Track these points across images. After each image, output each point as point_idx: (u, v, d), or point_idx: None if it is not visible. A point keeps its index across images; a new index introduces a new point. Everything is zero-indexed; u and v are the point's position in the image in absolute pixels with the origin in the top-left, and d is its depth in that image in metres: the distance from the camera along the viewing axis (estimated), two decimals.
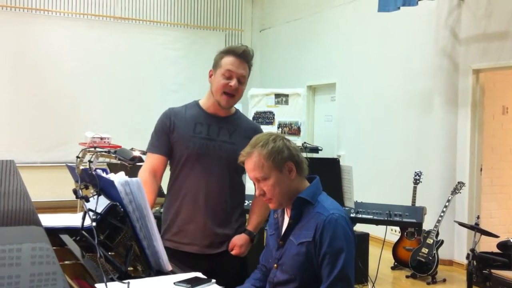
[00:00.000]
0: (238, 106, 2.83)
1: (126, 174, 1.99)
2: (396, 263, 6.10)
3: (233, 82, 2.54)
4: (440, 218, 5.70)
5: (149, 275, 1.96)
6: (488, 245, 5.28)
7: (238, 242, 2.59)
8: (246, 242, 2.62)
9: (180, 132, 2.61)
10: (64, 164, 3.27)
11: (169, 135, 2.64)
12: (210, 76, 2.64)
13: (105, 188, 2.02)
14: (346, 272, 1.98)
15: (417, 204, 5.73)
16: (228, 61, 2.56)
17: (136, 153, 2.39)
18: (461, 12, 6.27)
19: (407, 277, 5.86)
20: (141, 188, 1.93)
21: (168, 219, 2.68)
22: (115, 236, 2.10)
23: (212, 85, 2.63)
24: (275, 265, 2.16)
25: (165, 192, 5.87)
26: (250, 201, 2.80)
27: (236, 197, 2.66)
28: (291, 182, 2.10)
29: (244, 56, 2.57)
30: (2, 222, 1.61)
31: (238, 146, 2.51)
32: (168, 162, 2.70)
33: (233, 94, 2.57)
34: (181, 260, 2.45)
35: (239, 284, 2.34)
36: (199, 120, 2.64)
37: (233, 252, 2.58)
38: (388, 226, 4.74)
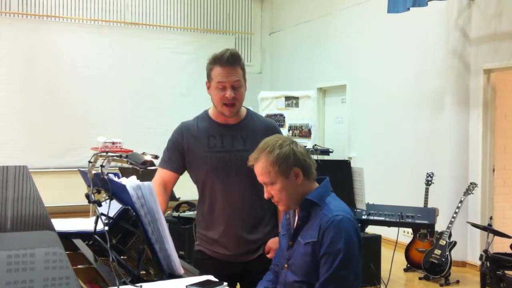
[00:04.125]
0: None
1: (137, 178, 2.00)
2: (408, 265, 6.07)
3: (228, 93, 2.50)
4: (452, 219, 5.67)
5: (161, 279, 1.97)
6: (502, 246, 5.25)
7: (273, 246, 2.58)
8: None
9: (194, 149, 2.60)
10: (77, 169, 3.27)
11: (183, 153, 2.63)
12: (208, 88, 2.61)
13: (117, 193, 2.03)
14: (341, 274, 2.00)
15: (429, 206, 5.71)
16: (216, 73, 2.52)
17: (148, 157, 2.39)
18: (471, 12, 6.24)
19: (420, 279, 5.83)
20: (153, 192, 1.94)
21: (201, 232, 2.70)
22: (127, 240, 2.11)
23: (211, 98, 2.60)
24: (286, 265, 2.19)
25: (177, 196, 5.89)
26: None
27: (263, 202, 2.63)
28: (298, 187, 2.12)
29: (230, 62, 2.50)
30: (16, 227, 1.63)
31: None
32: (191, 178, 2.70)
33: (232, 103, 2.54)
34: (217, 266, 2.48)
35: None
36: (211, 133, 2.62)
37: (269, 256, 2.58)
38: (400, 228, 4.73)
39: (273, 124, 2.78)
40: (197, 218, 2.75)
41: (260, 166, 2.11)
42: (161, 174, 2.65)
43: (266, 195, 2.16)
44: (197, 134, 2.62)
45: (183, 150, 2.62)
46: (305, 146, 6.10)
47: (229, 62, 2.50)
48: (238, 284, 2.64)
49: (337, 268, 1.98)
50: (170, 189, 2.68)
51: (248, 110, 2.74)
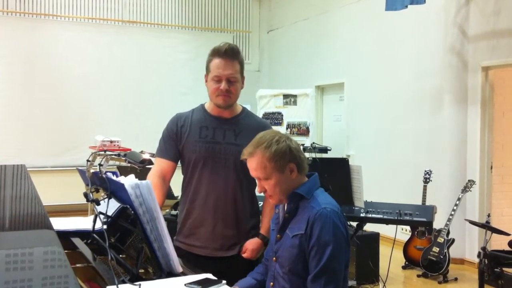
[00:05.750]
0: (246, 107, 2.82)
1: (136, 177, 2.00)
2: (407, 263, 6.08)
3: (223, 85, 2.55)
4: (450, 217, 5.68)
5: (160, 277, 1.97)
6: (499, 243, 5.27)
7: (250, 246, 2.62)
8: (258, 246, 2.64)
9: (186, 137, 2.65)
10: (75, 168, 3.29)
11: (176, 141, 2.67)
12: (206, 81, 2.65)
13: (116, 191, 2.03)
14: (332, 265, 2.02)
15: (427, 203, 5.71)
16: (214, 65, 2.57)
17: (146, 156, 2.41)
18: (469, 10, 6.24)
19: (418, 276, 5.84)
20: (151, 191, 1.94)
21: (180, 222, 2.73)
22: (126, 239, 2.11)
23: (207, 90, 2.65)
24: (274, 258, 2.22)
25: (175, 194, 5.89)
26: (261, 202, 2.80)
27: (246, 198, 2.67)
28: (292, 181, 2.16)
29: (228, 55, 2.56)
30: (14, 226, 1.63)
31: (244, 147, 2.54)
32: (180, 167, 2.74)
33: (227, 95, 2.58)
34: (193, 261, 2.48)
35: None
36: (204, 124, 2.66)
37: (244, 255, 2.61)
38: (398, 226, 4.72)
39: (268, 125, 2.80)
40: (180, 208, 2.78)
41: (256, 161, 2.13)
42: (159, 164, 2.68)
43: (258, 189, 2.20)
44: (190, 124, 2.67)
45: (177, 139, 2.67)
46: (303, 144, 6.02)
47: (227, 54, 2.56)
48: None
49: (328, 260, 2.01)
50: (168, 179, 2.70)
51: (244, 108, 2.79)
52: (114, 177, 2.10)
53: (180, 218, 2.74)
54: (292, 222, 2.16)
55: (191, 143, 2.63)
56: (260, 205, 2.80)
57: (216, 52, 2.58)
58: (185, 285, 1.86)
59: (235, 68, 2.58)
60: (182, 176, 2.77)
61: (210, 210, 2.61)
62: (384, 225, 4.56)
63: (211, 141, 2.63)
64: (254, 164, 2.14)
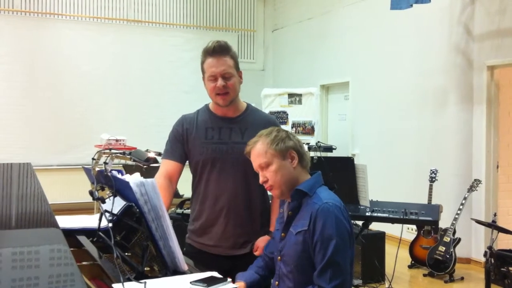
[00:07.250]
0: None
1: (141, 175, 2.00)
2: (413, 262, 6.06)
3: (219, 83, 2.55)
4: (456, 216, 5.66)
5: (165, 275, 1.97)
6: (506, 243, 5.26)
7: (261, 244, 2.61)
8: None
9: (193, 140, 2.65)
10: (80, 166, 3.29)
11: (183, 143, 2.68)
12: (205, 83, 2.66)
13: (121, 189, 2.03)
14: (336, 259, 2.03)
15: (433, 202, 5.69)
16: (207, 65, 2.58)
17: (151, 154, 2.41)
18: (474, 9, 6.22)
19: (424, 275, 5.83)
20: (156, 189, 1.94)
21: (191, 222, 2.74)
22: (131, 237, 2.11)
23: (207, 91, 2.65)
24: (279, 257, 2.22)
25: (181, 193, 5.90)
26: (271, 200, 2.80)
27: (256, 196, 2.66)
28: (293, 171, 2.19)
29: (218, 52, 2.56)
30: (20, 225, 1.63)
31: None
32: (189, 168, 2.74)
33: (225, 92, 2.58)
34: (205, 260, 2.50)
35: None
36: (209, 125, 2.66)
37: (256, 253, 2.60)
38: (404, 225, 4.71)
39: (273, 120, 2.79)
40: (191, 208, 2.79)
41: (258, 148, 2.19)
42: (165, 165, 2.68)
43: (261, 179, 2.21)
44: (196, 125, 2.67)
45: (183, 141, 2.67)
46: (308, 143, 6.01)
47: (216, 51, 2.56)
48: None
49: (332, 254, 2.02)
50: (175, 180, 2.70)
51: (248, 104, 2.78)
52: (119, 175, 2.10)
53: (191, 218, 2.75)
54: (296, 220, 2.17)
55: (198, 145, 2.63)
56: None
57: (206, 52, 2.58)
58: (190, 283, 1.86)
59: (227, 63, 2.57)
60: (187, 176, 2.77)
61: (221, 210, 2.61)
62: (390, 224, 4.56)
63: (218, 141, 2.62)
64: (256, 152, 2.19)
